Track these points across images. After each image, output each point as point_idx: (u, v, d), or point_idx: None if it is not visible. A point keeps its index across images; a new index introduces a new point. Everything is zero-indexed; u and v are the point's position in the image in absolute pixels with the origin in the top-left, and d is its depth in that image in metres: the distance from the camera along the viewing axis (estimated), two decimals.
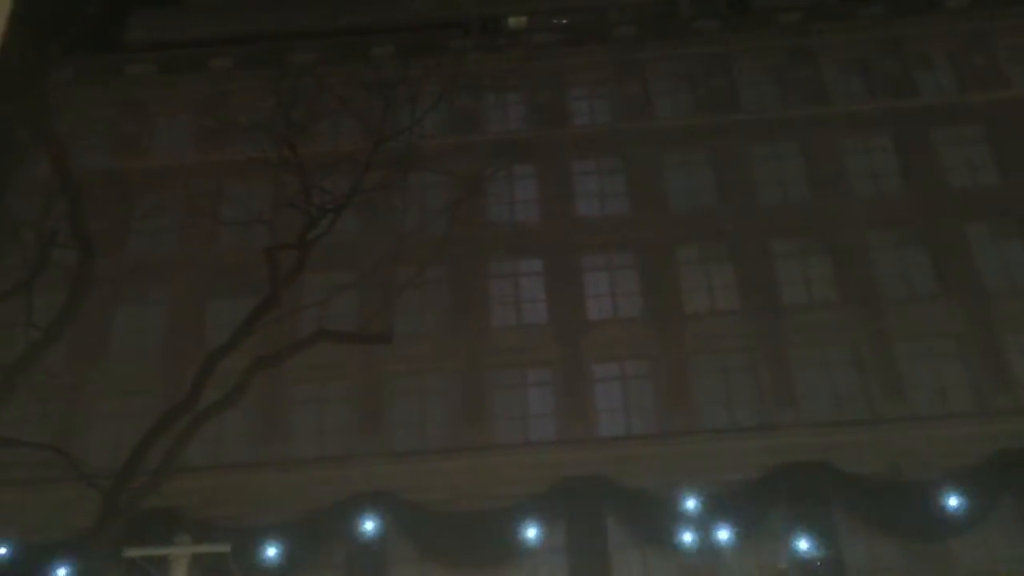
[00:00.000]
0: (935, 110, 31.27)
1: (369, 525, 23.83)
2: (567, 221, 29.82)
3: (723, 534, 23.02)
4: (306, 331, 20.62)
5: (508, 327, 28.15)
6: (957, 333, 27.04)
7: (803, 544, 22.80)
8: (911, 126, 30.83)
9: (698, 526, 23.23)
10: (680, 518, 23.35)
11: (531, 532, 23.55)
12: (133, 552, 16.22)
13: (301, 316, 21.89)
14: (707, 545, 23.13)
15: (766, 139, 31.03)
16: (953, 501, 23.19)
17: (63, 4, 18.24)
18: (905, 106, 31.34)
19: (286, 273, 17.19)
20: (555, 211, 30.01)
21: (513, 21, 37.98)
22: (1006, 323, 26.90)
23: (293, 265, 17.30)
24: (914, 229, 28.99)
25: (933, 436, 24.82)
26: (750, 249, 28.78)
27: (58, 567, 21.71)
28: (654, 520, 23.79)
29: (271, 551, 23.16)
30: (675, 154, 31.01)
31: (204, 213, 30.36)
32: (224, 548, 16.41)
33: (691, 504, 23.37)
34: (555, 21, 38.23)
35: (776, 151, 30.92)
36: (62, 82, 28.46)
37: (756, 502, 23.78)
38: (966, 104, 31.28)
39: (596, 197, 30.55)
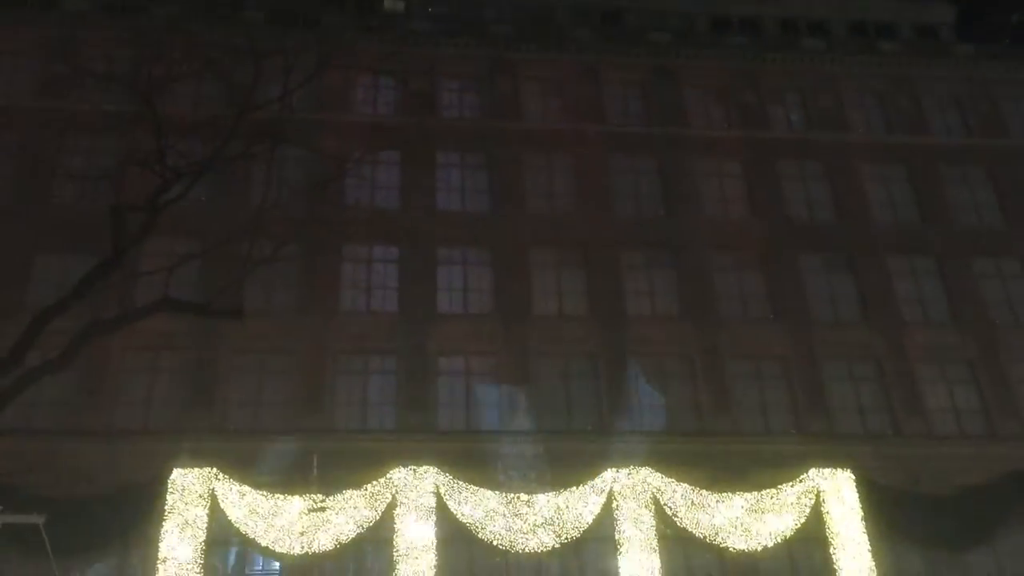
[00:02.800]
0: (783, 144, 33.06)
1: (192, 501, 23.14)
2: (427, 212, 29.71)
3: None
4: (143, 297, 19.87)
5: (357, 312, 27.80)
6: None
7: None
8: (760, 156, 32.45)
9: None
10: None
11: None
12: None
13: (138, 282, 20.99)
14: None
15: (626, 152, 31.93)
16: None
17: None
18: (756, 137, 32.96)
19: (131, 235, 16.34)
20: (416, 201, 29.86)
21: (389, 3, 37.52)
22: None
23: (139, 228, 16.47)
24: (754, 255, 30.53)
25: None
26: (601, 258, 29.50)
27: None
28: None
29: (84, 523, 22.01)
30: (538, 156, 31.44)
31: (41, 162, 28.51)
32: (36, 519, 15.39)
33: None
34: (430, 9, 38.06)
35: (634, 165, 31.84)
36: None
37: None
38: (811, 141, 33.24)
39: (457, 191, 30.60)
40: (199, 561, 22.75)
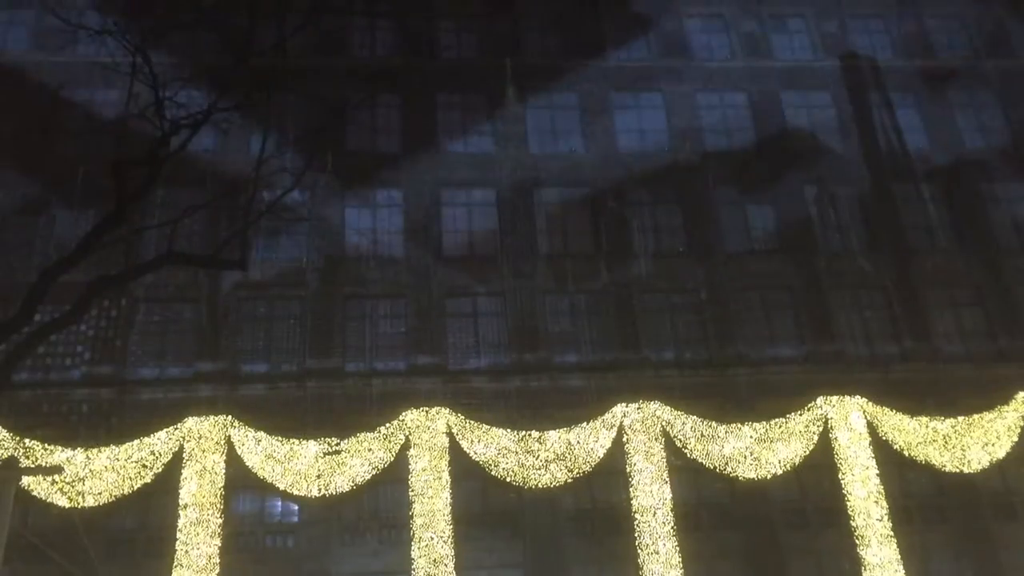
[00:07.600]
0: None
1: (208, 448, 23.61)
2: (429, 154, 29.58)
3: None
4: (155, 247, 20.00)
5: (363, 257, 27.87)
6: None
7: None
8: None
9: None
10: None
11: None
12: None
13: (146, 234, 21.15)
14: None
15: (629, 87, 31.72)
16: None
17: None
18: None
19: (134, 189, 16.38)
20: (417, 143, 29.70)
21: None
22: None
23: (142, 181, 16.50)
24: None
25: None
26: (603, 199, 29.52)
27: None
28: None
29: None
30: (540, 95, 31.11)
31: (40, 116, 28.41)
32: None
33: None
34: None
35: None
36: None
37: None
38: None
39: (460, 132, 30.37)
40: (219, 506, 23.24)
